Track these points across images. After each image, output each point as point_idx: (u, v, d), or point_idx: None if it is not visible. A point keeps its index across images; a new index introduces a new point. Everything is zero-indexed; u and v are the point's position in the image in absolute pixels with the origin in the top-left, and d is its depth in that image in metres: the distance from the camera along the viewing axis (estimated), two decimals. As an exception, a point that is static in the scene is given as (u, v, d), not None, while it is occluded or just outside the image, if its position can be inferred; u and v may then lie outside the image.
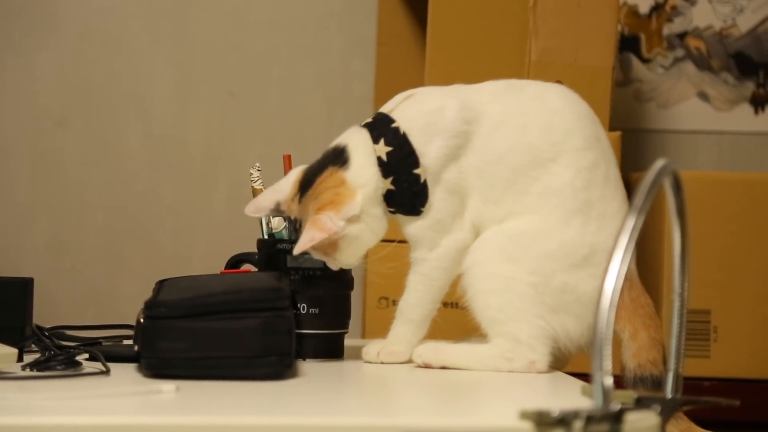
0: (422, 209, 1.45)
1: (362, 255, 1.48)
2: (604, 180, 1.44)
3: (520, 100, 1.46)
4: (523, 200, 1.43)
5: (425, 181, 1.44)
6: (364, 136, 1.46)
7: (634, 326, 1.41)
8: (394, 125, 1.45)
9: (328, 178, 1.46)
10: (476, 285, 1.43)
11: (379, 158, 1.44)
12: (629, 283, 1.43)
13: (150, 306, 1.32)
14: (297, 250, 1.42)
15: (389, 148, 1.44)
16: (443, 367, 1.43)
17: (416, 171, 1.44)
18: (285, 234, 1.55)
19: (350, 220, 1.44)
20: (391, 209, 1.46)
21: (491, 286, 1.42)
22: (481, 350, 1.43)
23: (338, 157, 1.46)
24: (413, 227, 1.46)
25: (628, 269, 1.42)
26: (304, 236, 1.42)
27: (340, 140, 1.48)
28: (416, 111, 1.46)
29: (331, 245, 1.45)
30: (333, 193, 1.45)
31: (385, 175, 1.44)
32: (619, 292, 1.03)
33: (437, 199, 1.44)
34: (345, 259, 1.47)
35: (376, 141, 1.45)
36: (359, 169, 1.45)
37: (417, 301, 1.47)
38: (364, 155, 1.45)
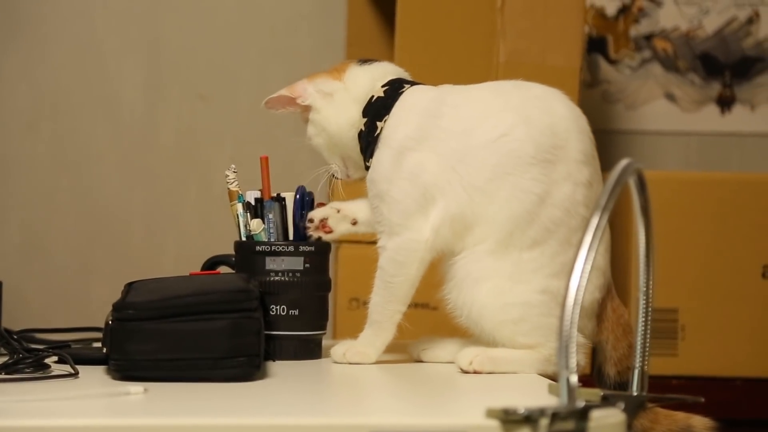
0: (368, 163, 1.48)
1: (335, 152, 1.52)
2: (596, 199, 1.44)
3: (523, 97, 1.45)
4: (521, 198, 1.41)
5: (377, 136, 1.47)
6: (388, 74, 1.52)
7: (616, 336, 1.43)
8: (405, 86, 1.50)
9: (341, 63, 1.56)
10: (493, 317, 1.41)
11: (371, 97, 1.50)
12: (610, 295, 1.44)
13: (118, 308, 1.32)
14: (265, 100, 1.55)
15: (381, 96, 1.49)
16: (490, 372, 1.41)
17: (378, 122, 1.48)
18: (263, 236, 1.54)
19: (321, 95, 1.52)
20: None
21: (509, 317, 1.41)
22: (525, 355, 1.42)
23: (366, 60, 1.55)
24: (368, 182, 1.48)
25: (607, 280, 1.44)
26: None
27: (387, 62, 1.55)
28: (422, 90, 1.50)
29: (306, 120, 1.54)
30: (328, 71, 1.55)
31: (363, 115, 1.49)
32: (584, 289, 1.04)
33: (397, 177, 1.44)
34: (318, 144, 1.53)
35: (383, 86, 1.50)
36: (362, 75, 1.52)
37: (378, 299, 1.47)
38: (373, 76, 1.52)
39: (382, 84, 1.50)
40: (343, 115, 1.51)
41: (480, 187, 1.42)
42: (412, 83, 1.51)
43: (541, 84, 1.48)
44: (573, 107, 1.46)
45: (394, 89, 1.49)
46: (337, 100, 1.51)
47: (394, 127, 1.47)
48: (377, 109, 1.48)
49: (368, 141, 1.48)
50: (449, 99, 1.47)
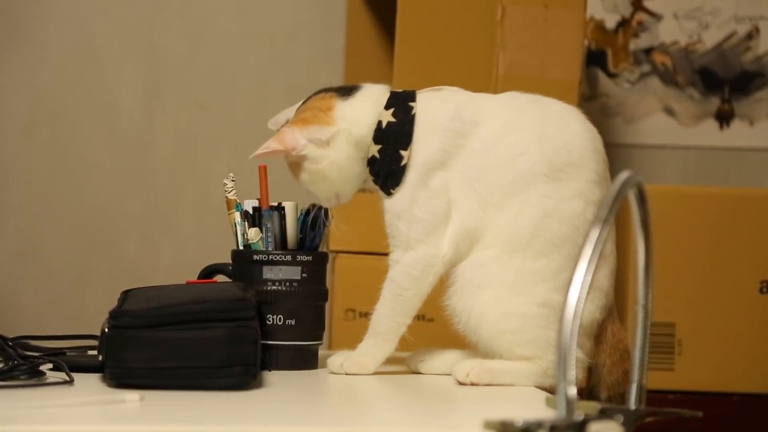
0: (392, 191, 1.45)
1: (331, 190, 1.47)
2: None
3: (541, 113, 1.45)
4: (529, 213, 1.41)
5: (405, 165, 1.44)
6: (383, 95, 1.47)
7: (613, 360, 1.43)
8: (411, 104, 1.46)
9: (320, 100, 1.48)
10: (491, 326, 1.42)
11: (379, 123, 1.45)
12: (611, 318, 1.44)
13: (114, 315, 1.32)
14: (253, 155, 1.46)
15: (393, 120, 1.45)
16: (487, 384, 1.41)
17: (402, 152, 1.45)
18: (261, 245, 1.54)
19: (317, 144, 1.45)
20: (372, 177, 1.47)
21: (507, 327, 1.42)
22: (522, 367, 1.42)
23: (345, 89, 1.48)
24: (388, 206, 1.45)
25: (609, 302, 1.44)
26: (264, 144, 1.46)
27: (362, 84, 1.49)
28: (434, 104, 1.47)
29: (296, 164, 1.47)
30: (312, 113, 1.47)
31: (376, 141, 1.46)
32: (583, 301, 1.04)
33: (421, 196, 1.44)
34: (313, 188, 1.48)
35: (387, 107, 1.46)
36: (356, 108, 1.46)
37: (385, 311, 1.47)
38: (370, 104, 1.46)
39: (383, 106, 1.46)
40: (344, 157, 1.46)
41: (494, 203, 1.43)
42: (412, 97, 1.47)
43: (557, 100, 1.48)
44: (590, 126, 1.46)
45: (403, 111, 1.46)
46: (335, 145, 1.46)
47: (418, 151, 1.44)
48: (397, 137, 1.45)
49: (391, 170, 1.45)
50: (466, 115, 1.45)
